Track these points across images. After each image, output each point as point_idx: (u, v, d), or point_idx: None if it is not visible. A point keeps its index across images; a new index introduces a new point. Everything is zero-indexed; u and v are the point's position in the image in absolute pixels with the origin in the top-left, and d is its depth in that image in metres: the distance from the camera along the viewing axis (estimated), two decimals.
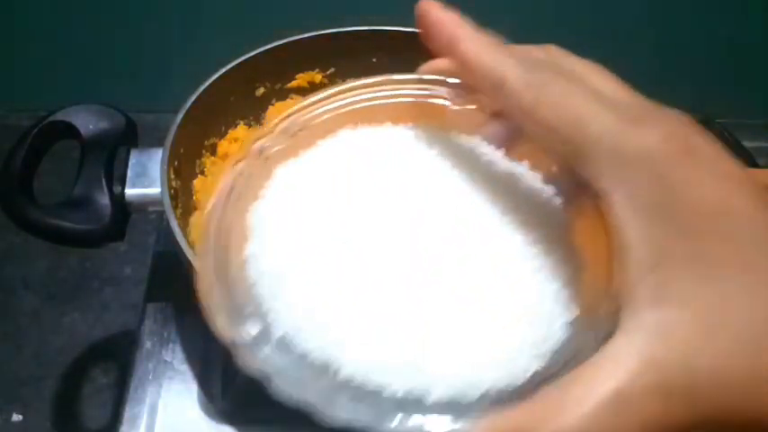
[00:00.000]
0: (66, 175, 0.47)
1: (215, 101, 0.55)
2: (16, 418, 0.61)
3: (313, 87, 0.62)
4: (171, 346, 0.52)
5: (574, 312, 0.25)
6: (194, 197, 0.53)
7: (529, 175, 0.28)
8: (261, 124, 0.60)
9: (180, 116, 0.51)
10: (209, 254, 0.25)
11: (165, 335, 0.53)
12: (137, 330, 0.53)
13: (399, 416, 0.23)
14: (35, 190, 0.46)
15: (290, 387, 0.26)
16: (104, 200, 0.46)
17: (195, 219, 0.52)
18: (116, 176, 0.47)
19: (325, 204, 0.27)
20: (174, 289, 0.55)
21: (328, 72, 0.62)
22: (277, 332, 0.25)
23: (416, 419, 0.22)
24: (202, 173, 0.55)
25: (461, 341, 0.24)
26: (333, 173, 0.28)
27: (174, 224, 0.44)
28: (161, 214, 0.47)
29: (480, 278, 0.25)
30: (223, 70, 0.55)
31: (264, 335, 0.25)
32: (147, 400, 0.49)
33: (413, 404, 0.23)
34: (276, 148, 0.28)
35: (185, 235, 0.46)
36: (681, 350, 0.20)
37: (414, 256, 0.25)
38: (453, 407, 0.23)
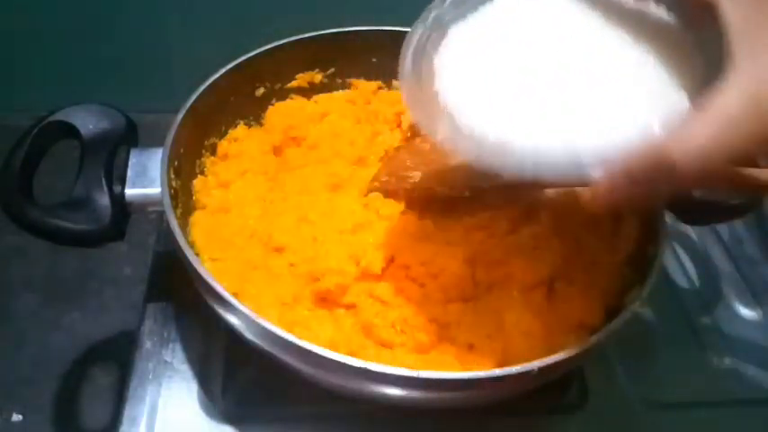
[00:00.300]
0: (67, 175, 0.47)
1: (215, 101, 0.55)
2: (16, 418, 0.61)
3: (313, 87, 0.62)
4: (171, 346, 0.52)
5: (684, 92, 0.34)
6: (194, 197, 0.53)
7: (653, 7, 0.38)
8: (261, 124, 0.60)
9: (180, 116, 0.51)
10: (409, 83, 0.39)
11: (165, 335, 0.53)
12: (137, 330, 0.53)
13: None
14: (35, 190, 0.46)
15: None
16: (104, 200, 0.46)
17: (195, 219, 0.52)
18: (116, 176, 0.47)
19: (491, 50, 0.38)
20: (174, 289, 0.55)
21: (328, 72, 0.62)
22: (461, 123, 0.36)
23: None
24: (202, 173, 0.55)
25: (599, 113, 0.34)
26: (493, 27, 0.39)
27: (174, 224, 0.44)
28: (161, 214, 0.47)
29: (607, 75, 0.36)
30: (223, 70, 0.55)
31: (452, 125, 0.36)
32: (147, 400, 0.49)
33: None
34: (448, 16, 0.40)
35: (185, 235, 0.46)
36: None
37: (557, 69, 0.36)
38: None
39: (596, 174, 0.32)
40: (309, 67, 0.61)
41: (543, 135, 0.34)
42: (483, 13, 0.40)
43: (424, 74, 0.39)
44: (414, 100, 0.39)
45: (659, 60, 0.36)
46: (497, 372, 0.39)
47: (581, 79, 0.36)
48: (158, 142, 0.49)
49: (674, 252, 0.65)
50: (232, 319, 0.42)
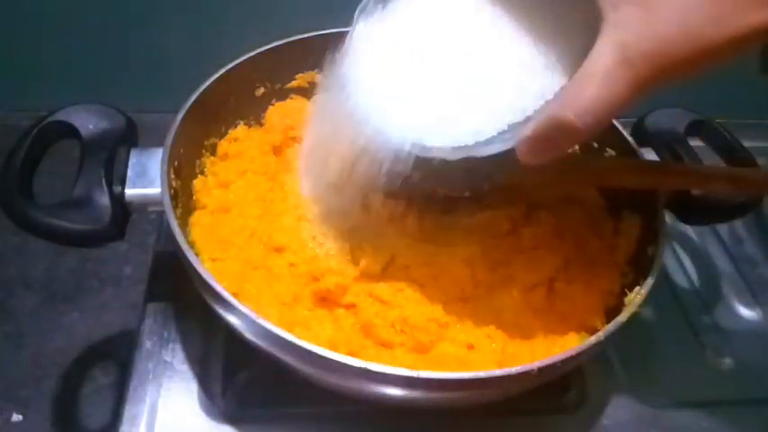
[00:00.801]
0: (66, 175, 0.47)
1: (215, 101, 0.55)
2: (16, 418, 0.61)
3: (313, 87, 0.62)
4: (171, 346, 0.52)
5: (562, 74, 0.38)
6: (194, 197, 0.53)
7: None
8: (261, 124, 0.60)
9: (180, 116, 0.51)
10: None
11: (165, 335, 0.53)
12: (137, 330, 0.53)
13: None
14: (35, 190, 0.46)
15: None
16: (104, 200, 0.46)
17: (195, 219, 0.52)
18: (116, 176, 0.47)
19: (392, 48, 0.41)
20: (174, 289, 0.55)
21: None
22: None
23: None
24: (202, 173, 0.55)
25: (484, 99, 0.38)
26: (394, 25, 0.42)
27: (174, 224, 0.44)
28: (161, 214, 0.47)
29: (493, 63, 0.39)
30: (223, 70, 0.55)
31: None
32: (147, 400, 0.49)
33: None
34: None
35: (185, 235, 0.46)
36: (635, 33, 0.32)
37: (450, 54, 0.40)
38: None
39: (515, 142, 0.36)
40: (309, 67, 0.61)
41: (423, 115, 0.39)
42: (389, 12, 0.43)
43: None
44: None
45: (547, 39, 0.39)
46: (497, 372, 0.39)
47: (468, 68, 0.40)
48: (158, 142, 0.49)
49: (674, 252, 0.65)
50: (232, 319, 0.42)
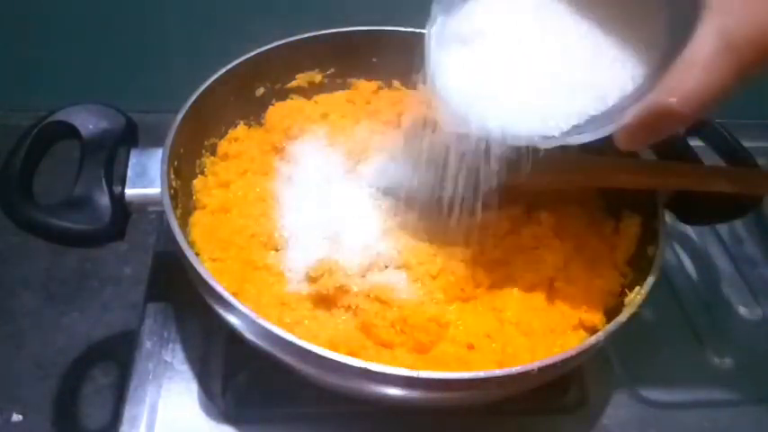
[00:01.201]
0: (67, 175, 0.47)
1: (215, 101, 0.55)
2: (16, 418, 0.61)
3: (313, 87, 0.62)
4: (171, 346, 0.52)
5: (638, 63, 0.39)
6: (194, 197, 0.53)
7: None
8: (261, 124, 0.60)
9: (180, 116, 0.51)
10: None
11: (165, 335, 0.53)
12: (137, 330, 0.53)
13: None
14: (35, 190, 0.46)
15: None
16: (104, 200, 0.46)
17: (195, 219, 0.52)
18: (116, 176, 0.47)
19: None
20: (174, 289, 0.55)
21: (328, 72, 0.62)
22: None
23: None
24: (202, 173, 0.55)
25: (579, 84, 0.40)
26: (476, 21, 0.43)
27: (174, 224, 0.44)
28: (161, 214, 0.47)
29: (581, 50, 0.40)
30: (223, 70, 0.55)
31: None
32: (147, 400, 0.49)
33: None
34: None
35: (185, 235, 0.46)
36: (738, 18, 0.32)
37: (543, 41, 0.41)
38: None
39: (614, 129, 0.37)
40: (309, 67, 0.61)
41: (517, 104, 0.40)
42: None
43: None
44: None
45: (619, 30, 0.40)
46: (497, 372, 0.39)
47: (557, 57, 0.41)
48: (158, 142, 0.49)
49: (674, 252, 0.65)
50: (232, 319, 0.42)
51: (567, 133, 0.40)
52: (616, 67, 0.40)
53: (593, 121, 0.40)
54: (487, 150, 0.42)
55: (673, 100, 0.33)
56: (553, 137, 0.40)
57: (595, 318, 0.47)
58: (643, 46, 0.40)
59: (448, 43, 0.43)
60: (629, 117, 0.36)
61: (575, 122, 0.40)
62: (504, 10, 0.43)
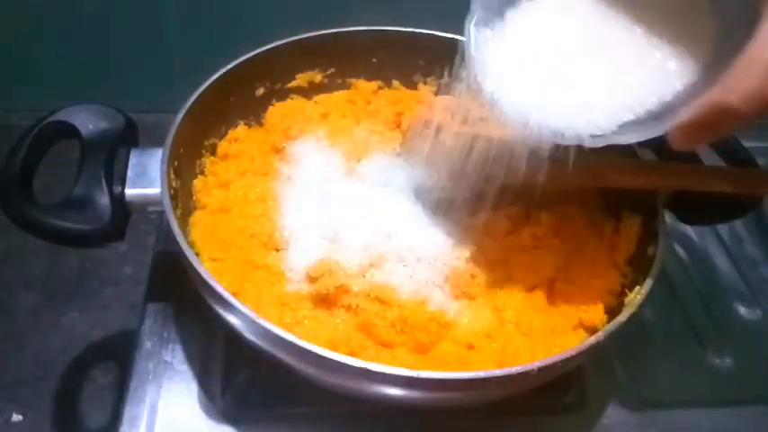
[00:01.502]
0: (67, 175, 0.47)
1: (215, 101, 0.55)
2: (16, 418, 0.61)
3: (313, 87, 0.62)
4: (171, 346, 0.52)
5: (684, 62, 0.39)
6: (194, 197, 0.53)
7: None
8: (261, 124, 0.60)
9: (180, 116, 0.51)
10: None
11: (165, 335, 0.53)
12: (137, 330, 0.53)
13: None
14: (35, 190, 0.46)
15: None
16: (104, 200, 0.46)
17: (195, 219, 0.52)
18: (116, 176, 0.47)
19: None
20: (174, 289, 0.55)
21: (328, 72, 0.62)
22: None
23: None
24: (202, 173, 0.55)
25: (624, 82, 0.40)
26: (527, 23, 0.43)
27: (174, 224, 0.44)
28: (161, 214, 0.47)
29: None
30: (223, 70, 0.55)
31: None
32: (147, 400, 0.49)
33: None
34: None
35: (185, 235, 0.46)
36: None
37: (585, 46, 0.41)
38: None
39: (668, 128, 0.37)
40: (309, 67, 0.61)
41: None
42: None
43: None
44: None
45: (664, 30, 0.41)
46: (497, 372, 0.39)
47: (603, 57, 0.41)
48: (158, 142, 0.49)
49: (674, 252, 0.65)
50: (232, 319, 0.42)
51: (616, 132, 0.39)
52: (664, 68, 0.40)
53: (640, 121, 0.39)
54: (533, 151, 0.42)
55: (733, 98, 0.33)
56: (602, 135, 0.39)
57: (595, 318, 0.47)
58: (691, 46, 0.40)
59: (491, 43, 0.43)
60: (685, 116, 0.35)
61: (624, 121, 0.39)
62: (551, 9, 0.43)
